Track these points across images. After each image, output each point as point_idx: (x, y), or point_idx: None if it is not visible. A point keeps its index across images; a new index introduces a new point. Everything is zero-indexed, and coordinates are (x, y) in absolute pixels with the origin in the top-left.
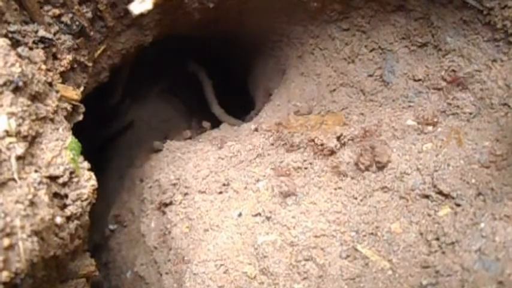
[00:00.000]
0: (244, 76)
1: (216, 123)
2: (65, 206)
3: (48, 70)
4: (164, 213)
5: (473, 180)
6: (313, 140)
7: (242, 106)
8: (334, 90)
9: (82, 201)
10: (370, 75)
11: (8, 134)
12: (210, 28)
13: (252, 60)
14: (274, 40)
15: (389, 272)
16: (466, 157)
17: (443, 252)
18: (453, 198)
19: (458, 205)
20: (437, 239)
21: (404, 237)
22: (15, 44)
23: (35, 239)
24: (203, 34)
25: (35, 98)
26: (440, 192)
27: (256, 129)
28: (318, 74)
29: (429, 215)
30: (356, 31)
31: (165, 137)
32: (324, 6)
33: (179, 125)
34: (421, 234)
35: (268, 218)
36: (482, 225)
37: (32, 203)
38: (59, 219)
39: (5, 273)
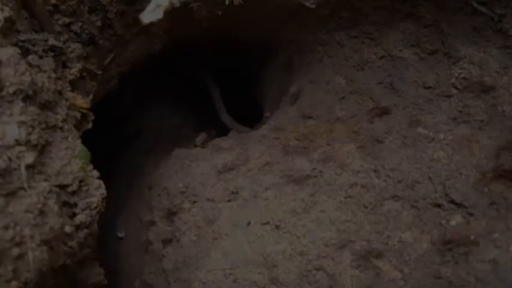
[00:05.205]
0: (253, 83)
1: (224, 131)
2: (74, 214)
3: (58, 78)
4: (172, 221)
5: (486, 189)
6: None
7: (250, 114)
8: (343, 97)
9: (91, 209)
10: (380, 83)
11: (18, 142)
12: (218, 36)
13: (260, 67)
14: (282, 47)
15: (401, 283)
16: (478, 165)
17: (456, 263)
18: (465, 207)
19: (470, 214)
20: (450, 249)
21: (416, 246)
22: (25, 52)
23: (45, 248)
24: (211, 42)
25: (45, 106)
26: (452, 201)
27: (265, 137)
28: (327, 81)
29: (441, 225)
30: (365, 38)
31: (174, 145)
32: (332, 13)
33: (188, 132)
34: (433, 244)
35: (277, 227)
36: (496, 235)
37: (41, 212)
38: (68, 228)
39: (14, 284)
